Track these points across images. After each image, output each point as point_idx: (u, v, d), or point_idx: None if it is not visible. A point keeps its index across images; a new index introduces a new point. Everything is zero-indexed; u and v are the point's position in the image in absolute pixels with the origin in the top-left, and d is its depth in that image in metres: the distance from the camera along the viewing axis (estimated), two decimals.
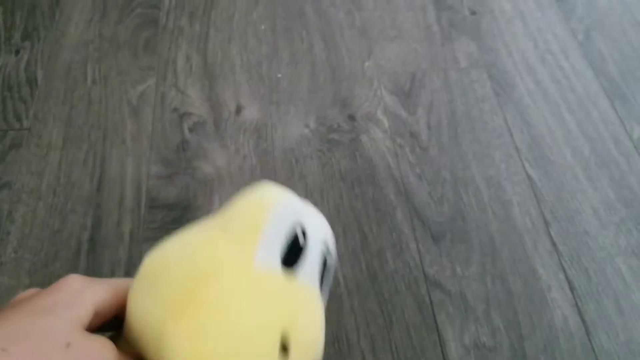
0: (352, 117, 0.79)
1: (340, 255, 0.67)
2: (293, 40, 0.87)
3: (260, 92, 0.82)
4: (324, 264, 0.30)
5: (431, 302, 0.65)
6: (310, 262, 0.29)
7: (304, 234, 0.29)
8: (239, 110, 0.80)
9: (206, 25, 0.89)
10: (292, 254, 0.28)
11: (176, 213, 0.70)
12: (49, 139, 0.75)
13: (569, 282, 0.66)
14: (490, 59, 0.86)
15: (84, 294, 0.28)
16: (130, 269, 0.65)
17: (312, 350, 0.28)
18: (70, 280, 0.29)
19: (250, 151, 0.76)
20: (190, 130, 0.77)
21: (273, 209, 0.29)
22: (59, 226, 0.68)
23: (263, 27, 0.89)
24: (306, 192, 0.72)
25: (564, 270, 0.67)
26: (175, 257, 0.28)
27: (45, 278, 0.65)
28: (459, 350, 0.62)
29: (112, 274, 0.65)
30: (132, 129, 0.77)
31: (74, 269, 0.65)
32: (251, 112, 0.79)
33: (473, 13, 0.91)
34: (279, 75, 0.83)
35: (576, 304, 0.65)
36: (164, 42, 0.87)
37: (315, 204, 0.70)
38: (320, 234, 0.31)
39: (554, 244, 0.69)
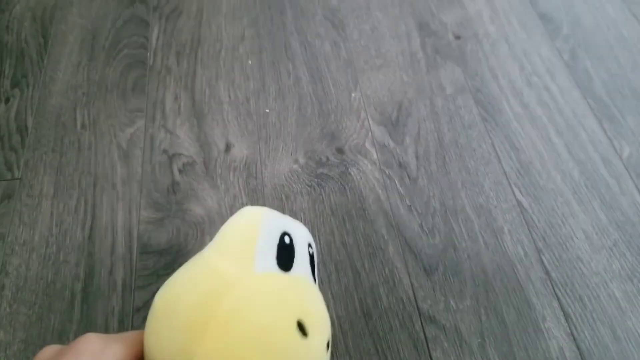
0: (340, 150, 0.79)
1: (333, 294, 0.68)
2: (280, 74, 0.88)
3: (249, 129, 0.82)
4: (311, 257, 0.35)
5: (426, 338, 0.65)
6: (301, 258, 0.33)
7: (290, 239, 0.34)
8: (228, 148, 0.80)
9: (193, 63, 0.90)
10: (285, 256, 0.32)
11: (167, 258, 0.70)
12: (40, 188, 0.76)
13: (564, 311, 0.66)
14: (476, 84, 0.86)
15: (105, 355, 0.29)
16: (123, 318, 0.66)
17: (325, 326, 0.31)
18: (89, 343, 0.29)
19: (240, 190, 0.76)
20: (180, 171, 0.78)
21: (261, 224, 0.33)
22: (52, 277, 0.69)
23: (250, 62, 0.90)
24: None
25: (558, 299, 0.67)
26: (182, 288, 0.30)
27: (40, 331, 0.65)
28: None
29: (105, 324, 0.65)
30: (122, 173, 0.78)
31: (68, 321, 0.65)
32: (240, 150, 0.80)
33: (457, 37, 0.91)
34: (267, 111, 0.84)
35: (571, 333, 0.65)
36: (152, 83, 0.88)
37: None
38: (303, 236, 0.35)
39: (546, 272, 0.69)
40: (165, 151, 0.80)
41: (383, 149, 0.79)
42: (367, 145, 0.80)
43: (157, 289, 0.64)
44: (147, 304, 0.66)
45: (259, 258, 0.31)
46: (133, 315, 0.66)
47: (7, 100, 0.85)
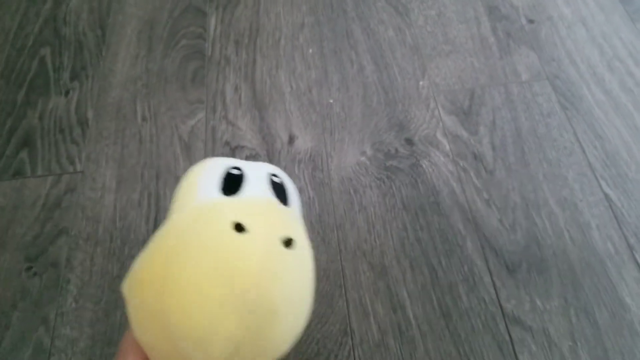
0: (410, 141, 0.75)
1: (409, 293, 0.64)
2: (342, 63, 0.84)
3: (313, 120, 0.79)
4: (277, 185, 0.34)
5: (512, 340, 0.60)
6: (254, 183, 0.33)
7: (241, 171, 0.33)
8: (291, 140, 0.77)
9: (252, 52, 0.87)
10: (230, 184, 0.32)
11: None
12: (102, 181, 0.74)
13: None
14: (553, 70, 0.80)
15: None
16: None
17: (274, 224, 0.31)
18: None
19: (306, 183, 0.73)
20: None
21: (203, 166, 0.33)
22: (117, 272, 0.67)
23: (311, 50, 0.86)
24: (368, 225, 0.68)
25: None
26: (146, 254, 0.30)
27: (107, 328, 0.63)
28: None
29: None
30: (185, 165, 0.75)
31: None
32: (304, 142, 0.77)
33: (531, 21, 0.86)
34: (331, 101, 0.80)
35: None
36: (211, 74, 0.85)
37: (379, 236, 0.67)
38: (261, 168, 0.35)
39: None
40: (227, 143, 0.77)
41: (456, 140, 0.75)
42: (439, 135, 0.75)
43: None
44: None
45: (200, 193, 0.31)
46: None
47: (67, 93, 0.84)
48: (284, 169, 0.74)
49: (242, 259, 0.28)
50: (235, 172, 0.33)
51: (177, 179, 0.74)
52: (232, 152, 0.76)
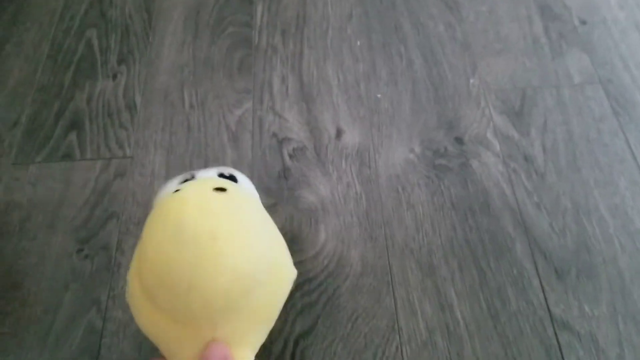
0: (459, 140, 0.75)
1: (457, 293, 0.64)
2: (391, 57, 0.84)
3: (360, 115, 0.78)
4: (226, 176, 0.42)
5: (559, 344, 0.60)
6: (204, 176, 0.41)
7: (193, 176, 0.41)
8: (339, 134, 0.77)
9: (299, 43, 0.87)
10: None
11: None
12: (152, 168, 0.75)
13: None
14: (605, 74, 0.79)
15: None
16: None
17: (208, 180, 0.39)
18: None
19: (353, 179, 0.73)
20: (291, 156, 0.75)
21: (167, 183, 0.41)
22: None
23: (359, 43, 0.86)
24: (416, 223, 0.69)
25: None
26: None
27: None
28: None
29: None
30: (233, 155, 0.76)
31: None
32: (352, 136, 0.76)
33: (583, 23, 0.85)
34: (379, 96, 0.80)
35: None
36: (258, 63, 0.85)
37: (427, 235, 0.67)
38: (210, 171, 0.42)
39: None
40: (274, 135, 0.77)
41: (506, 140, 0.74)
42: (489, 135, 0.75)
43: None
44: None
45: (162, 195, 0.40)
46: None
47: (114, 77, 0.84)
48: (332, 163, 0.74)
49: (178, 205, 0.35)
50: (188, 175, 0.41)
51: None
52: (280, 144, 0.76)
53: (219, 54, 0.87)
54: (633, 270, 0.65)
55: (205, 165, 0.75)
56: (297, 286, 0.65)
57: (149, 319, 0.36)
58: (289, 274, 0.41)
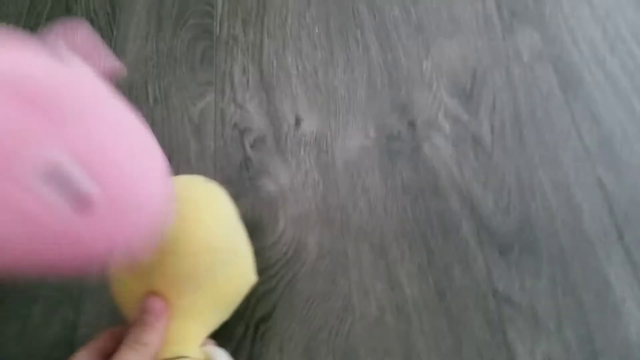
0: (412, 124, 0.78)
1: (407, 273, 0.68)
2: (348, 43, 0.86)
3: (318, 102, 0.81)
4: None
5: (501, 318, 0.65)
6: None
7: None
8: (298, 122, 0.80)
9: (260, 32, 0.89)
10: None
11: None
12: None
13: None
14: (555, 51, 0.82)
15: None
16: None
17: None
18: None
19: (312, 166, 0.76)
20: (252, 146, 0.78)
21: None
22: None
23: (317, 30, 0.88)
24: (370, 207, 0.72)
25: (639, 281, 0.65)
26: None
27: None
28: None
29: None
30: (196, 148, 0.79)
31: None
32: (310, 124, 0.80)
33: None
34: (336, 83, 0.83)
35: None
36: (220, 54, 0.87)
37: (379, 218, 0.70)
38: None
39: (628, 253, 0.67)
40: (236, 125, 0.80)
41: (456, 122, 0.77)
42: (440, 118, 0.78)
43: None
44: None
45: None
46: None
47: None
48: (291, 151, 0.77)
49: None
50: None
51: (188, 161, 0.78)
52: (241, 135, 0.79)
53: (181, 46, 0.89)
54: (574, 245, 0.68)
55: (170, 158, 0.78)
56: (258, 273, 0.69)
57: (127, 288, 0.41)
58: (249, 274, 0.45)
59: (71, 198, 0.28)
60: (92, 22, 0.93)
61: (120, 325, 0.47)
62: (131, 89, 0.85)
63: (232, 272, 0.41)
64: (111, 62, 0.40)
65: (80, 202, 0.28)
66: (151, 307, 0.40)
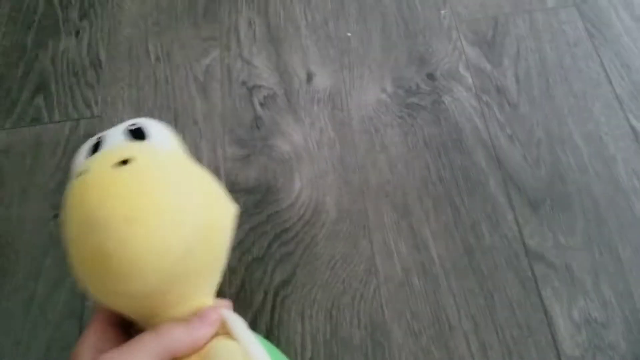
0: (431, 76, 0.73)
1: (432, 232, 0.64)
2: None
3: (330, 56, 0.76)
4: (132, 131, 0.38)
5: (534, 276, 0.61)
6: (108, 142, 0.37)
7: (99, 139, 0.38)
8: (309, 78, 0.75)
9: None
10: (94, 151, 0.36)
11: (257, 196, 0.68)
12: None
13: None
14: None
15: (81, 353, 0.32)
16: None
17: (105, 160, 0.34)
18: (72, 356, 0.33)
19: (326, 123, 0.72)
20: (262, 104, 0.74)
21: (77, 155, 0.38)
22: None
23: None
24: (390, 165, 0.68)
25: None
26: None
27: None
28: (568, 327, 0.59)
29: None
30: (202, 108, 0.74)
31: None
32: (323, 80, 0.75)
33: None
34: (349, 34, 0.78)
35: None
36: (223, 8, 0.82)
37: (401, 176, 0.66)
38: (116, 131, 0.39)
39: None
40: (244, 83, 0.76)
41: (479, 73, 0.73)
42: (461, 69, 0.73)
43: (249, 227, 0.62)
44: (241, 243, 0.64)
45: (75, 165, 0.37)
46: None
47: (77, 33, 0.82)
48: (304, 108, 0.73)
49: (80, 192, 0.33)
50: (95, 140, 0.38)
51: (195, 121, 0.73)
52: (250, 93, 0.75)
53: (182, 1, 0.84)
54: (607, 197, 0.65)
55: (175, 119, 0.73)
56: (275, 236, 0.65)
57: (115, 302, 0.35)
58: (226, 216, 0.39)
59: None
60: None
61: None
62: (131, 48, 0.80)
63: (206, 239, 0.35)
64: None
65: None
66: (207, 315, 0.35)
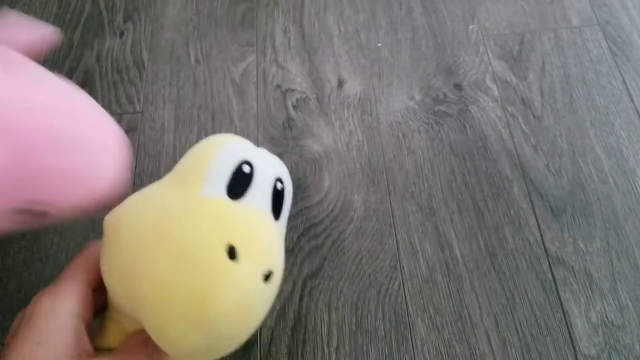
0: (458, 86, 0.77)
1: (456, 233, 0.67)
2: (390, 6, 0.85)
3: (361, 64, 0.80)
4: (278, 192, 0.34)
5: (554, 279, 0.64)
6: (259, 190, 0.33)
7: (251, 168, 0.33)
8: (340, 84, 0.79)
9: None
10: (238, 184, 0.32)
11: None
12: (161, 122, 0.77)
13: None
14: (604, 15, 0.80)
15: (57, 315, 0.29)
16: None
17: (263, 256, 0.31)
18: (39, 307, 0.30)
19: (355, 127, 0.75)
20: (295, 107, 0.77)
21: (218, 150, 0.33)
22: None
23: None
24: (416, 168, 0.71)
25: None
26: (128, 209, 0.32)
27: None
28: (585, 327, 0.61)
29: None
30: (238, 108, 0.78)
31: None
32: (353, 86, 0.78)
33: None
34: (379, 45, 0.81)
35: None
36: (260, 16, 0.86)
37: (427, 179, 0.69)
38: (270, 169, 0.35)
39: None
40: (278, 86, 0.79)
41: (504, 85, 0.76)
42: (487, 81, 0.77)
43: None
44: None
45: (207, 183, 0.31)
46: None
47: (121, 35, 0.86)
48: (334, 112, 0.76)
49: (223, 287, 0.29)
50: (246, 169, 0.33)
51: (231, 120, 0.77)
52: (283, 96, 0.78)
53: (221, 9, 0.88)
54: (627, 207, 0.67)
55: (212, 117, 0.77)
56: (304, 230, 0.68)
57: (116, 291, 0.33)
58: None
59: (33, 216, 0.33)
60: None
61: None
62: (173, 50, 0.84)
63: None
64: (39, 32, 0.38)
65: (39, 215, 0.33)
66: None
